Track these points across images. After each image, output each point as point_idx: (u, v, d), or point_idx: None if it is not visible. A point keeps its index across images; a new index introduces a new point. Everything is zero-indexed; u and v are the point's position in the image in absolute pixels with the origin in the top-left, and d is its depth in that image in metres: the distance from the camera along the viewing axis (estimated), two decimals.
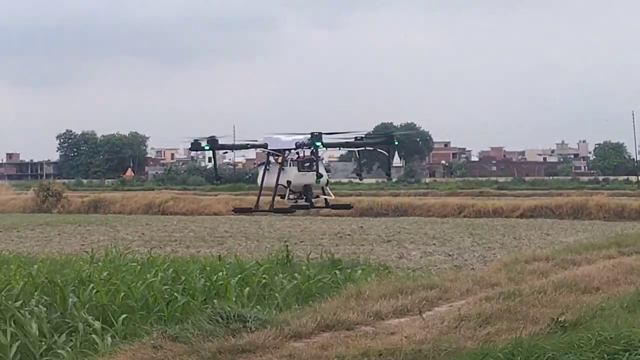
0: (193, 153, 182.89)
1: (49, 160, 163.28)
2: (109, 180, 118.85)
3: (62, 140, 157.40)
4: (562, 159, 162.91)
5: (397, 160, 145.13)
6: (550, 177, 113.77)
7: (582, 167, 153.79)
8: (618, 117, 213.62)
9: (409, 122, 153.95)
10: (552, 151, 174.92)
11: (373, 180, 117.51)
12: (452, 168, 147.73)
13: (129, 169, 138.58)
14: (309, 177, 19.07)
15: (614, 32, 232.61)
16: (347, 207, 25.19)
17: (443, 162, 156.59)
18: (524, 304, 13.82)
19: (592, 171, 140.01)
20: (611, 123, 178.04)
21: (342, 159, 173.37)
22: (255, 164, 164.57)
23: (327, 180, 19.98)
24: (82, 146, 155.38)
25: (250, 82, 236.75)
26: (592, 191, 64.44)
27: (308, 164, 19.00)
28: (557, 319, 11.54)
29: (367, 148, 20.72)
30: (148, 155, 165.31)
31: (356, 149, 20.52)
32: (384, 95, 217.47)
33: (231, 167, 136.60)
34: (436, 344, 10.77)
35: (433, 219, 47.19)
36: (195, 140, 19.41)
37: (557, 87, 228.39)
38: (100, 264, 19.91)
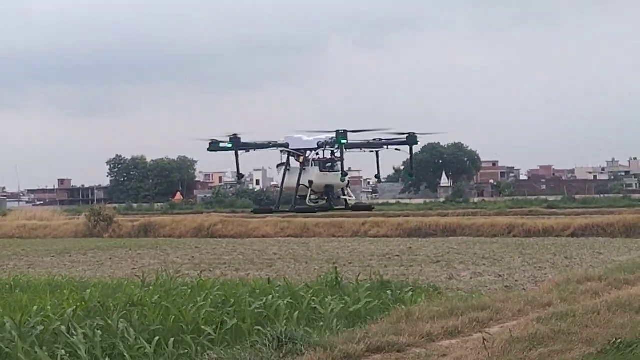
0: (242, 178, 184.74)
1: (99, 185, 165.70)
2: (159, 204, 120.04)
3: (112, 166, 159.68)
4: (612, 177, 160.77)
5: (444, 180, 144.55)
6: (601, 195, 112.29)
7: (634, 185, 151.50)
8: None
9: (457, 141, 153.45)
10: (603, 169, 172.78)
11: (421, 201, 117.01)
12: (500, 187, 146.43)
13: (178, 193, 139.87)
14: (331, 178, 19.08)
15: None
16: (369, 208, 25.12)
17: (491, 181, 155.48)
18: (577, 325, 13.64)
19: None
20: None
21: (389, 179, 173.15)
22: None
23: (348, 182, 20.01)
24: (132, 171, 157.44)
25: (299, 104, 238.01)
26: None
27: (330, 164, 18.99)
28: (613, 340, 11.36)
29: (388, 147, 20.61)
30: (196, 179, 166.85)
31: (376, 149, 20.35)
32: (431, 116, 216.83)
33: (278, 189, 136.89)
34: None
35: (482, 239, 46.81)
36: (214, 140, 19.48)
37: (607, 104, 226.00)
38: (151, 287, 20.08)
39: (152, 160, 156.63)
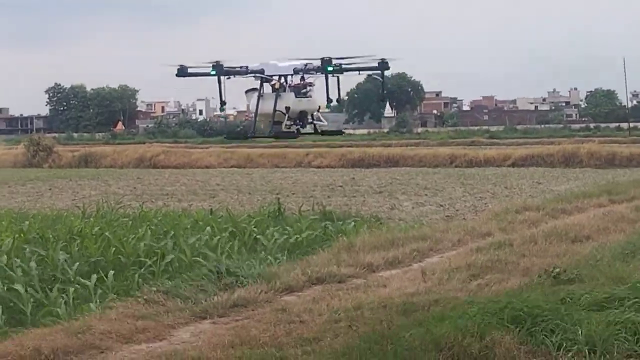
0: (183, 106, 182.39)
1: (38, 114, 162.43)
2: (100, 134, 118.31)
3: (51, 94, 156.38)
4: (553, 107, 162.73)
5: (388, 111, 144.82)
6: (542, 126, 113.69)
7: (574, 115, 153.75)
8: (609, 64, 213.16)
9: (400, 71, 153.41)
10: (544, 99, 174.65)
11: (365, 131, 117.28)
12: (443, 118, 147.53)
13: (120, 123, 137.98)
14: (305, 103, 19.11)
15: None
16: (339, 132, 25.32)
17: (435, 111, 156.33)
18: (514, 254, 13.89)
19: (583, 119, 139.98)
20: (602, 70, 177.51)
21: (333, 110, 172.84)
22: (246, 116, 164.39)
23: (319, 107, 20.14)
24: (72, 100, 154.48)
25: (238, 31, 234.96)
26: (584, 139, 64.44)
27: (304, 90, 19.03)
28: (550, 269, 11.54)
29: (360, 73, 20.75)
30: (138, 109, 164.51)
31: (349, 73, 20.48)
32: (375, 44, 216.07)
33: (222, 119, 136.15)
34: (427, 296, 10.82)
35: (425, 170, 47.21)
36: (182, 67, 19.07)
37: (549, 36, 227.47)
38: (91, 219, 19.88)
39: (92, 89, 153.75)
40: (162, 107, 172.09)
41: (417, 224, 20.03)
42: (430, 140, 78.80)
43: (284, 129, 18.44)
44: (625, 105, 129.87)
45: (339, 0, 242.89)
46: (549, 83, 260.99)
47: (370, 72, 21.65)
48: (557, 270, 11.38)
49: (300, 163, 53.58)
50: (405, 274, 12.85)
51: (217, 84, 19.64)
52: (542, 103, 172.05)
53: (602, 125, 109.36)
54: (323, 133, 21.99)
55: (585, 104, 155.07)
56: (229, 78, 20.71)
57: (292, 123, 19.63)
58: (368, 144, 71.51)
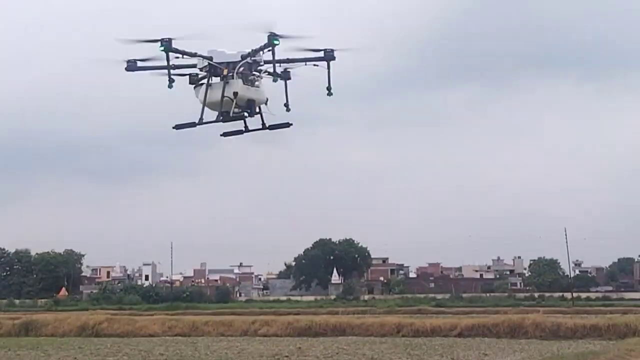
0: (129, 271, 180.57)
1: None
2: (42, 300, 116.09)
3: None
4: (498, 276, 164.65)
5: (335, 277, 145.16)
6: (488, 294, 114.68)
7: (518, 284, 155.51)
8: (551, 234, 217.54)
9: (347, 237, 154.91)
10: (489, 267, 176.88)
11: (312, 298, 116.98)
12: (390, 285, 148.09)
13: (63, 289, 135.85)
14: (254, 92, 19.25)
15: (546, 152, 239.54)
16: (287, 125, 24.79)
17: (382, 278, 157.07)
18: None
19: (527, 287, 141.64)
20: (545, 239, 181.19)
21: (280, 276, 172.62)
22: (193, 281, 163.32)
23: (267, 99, 20.29)
24: (15, 265, 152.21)
25: (188, 200, 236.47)
26: (528, 309, 64.99)
27: (252, 78, 19.22)
28: None
29: (306, 63, 21.09)
30: (83, 274, 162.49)
31: (296, 63, 20.62)
32: (323, 212, 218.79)
33: (168, 285, 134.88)
34: None
35: (372, 339, 46.91)
36: (131, 61, 18.85)
37: (493, 204, 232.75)
38: None
39: (37, 254, 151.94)
40: (108, 272, 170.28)
41: None
42: (377, 308, 78.77)
43: (232, 114, 18.47)
44: (567, 275, 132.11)
45: (280, 173, 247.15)
46: (493, 251, 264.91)
47: (316, 63, 22.14)
48: None
49: (246, 331, 52.91)
50: None
51: (166, 61, 19.65)
52: (487, 271, 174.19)
53: (547, 294, 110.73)
54: (271, 127, 22.00)
55: (529, 273, 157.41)
56: (177, 57, 20.86)
57: (240, 110, 19.82)
58: (315, 311, 71.18)
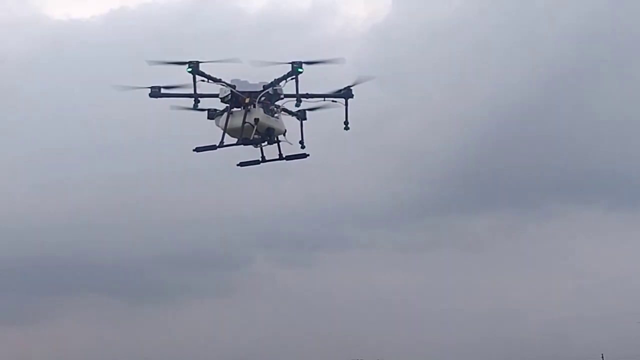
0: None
1: None
2: None
3: None
4: None
5: None
6: None
7: None
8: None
9: (379, 358, 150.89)
10: None
11: None
12: None
13: None
14: (274, 122, 19.97)
15: (576, 277, 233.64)
16: (304, 155, 24.97)
17: None
18: None
19: None
20: None
21: None
22: None
23: (285, 130, 21.04)
24: None
25: (221, 320, 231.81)
26: None
27: (272, 108, 19.94)
28: None
29: (325, 99, 21.80)
30: None
31: (315, 99, 21.45)
32: (353, 332, 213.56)
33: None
34: None
35: None
36: (154, 87, 19.42)
37: (519, 330, 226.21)
38: None
39: None
40: None
41: None
42: None
43: (252, 139, 19.18)
44: None
45: (310, 293, 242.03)
46: None
47: (334, 99, 22.92)
48: None
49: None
50: None
51: (192, 82, 20.52)
52: None
53: None
54: (288, 158, 22.55)
55: None
56: (203, 81, 21.64)
57: (260, 137, 20.43)
58: None
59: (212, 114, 23.04)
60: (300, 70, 21.47)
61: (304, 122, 24.53)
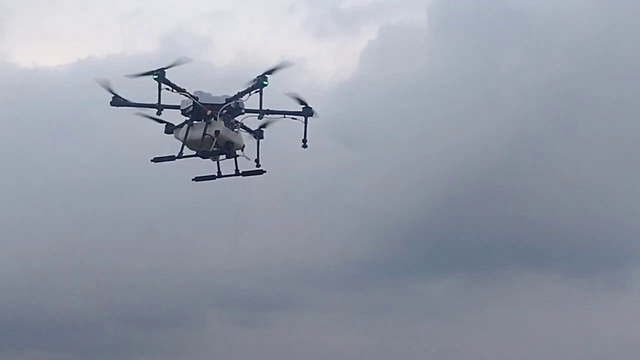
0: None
1: None
2: None
3: None
4: None
5: None
6: None
7: None
8: None
9: None
10: None
11: None
12: None
13: None
14: (234, 136, 20.03)
15: (531, 344, 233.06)
16: (260, 172, 24.84)
17: None
18: None
19: None
20: None
21: None
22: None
23: (244, 145, 21.11)
24: None
25: None
26: None
27: (233, 122, 20.04)
28: None
29: (285, 116, 21.88)
30: None
31: (274, 116, 21.57)
32: None
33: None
34: None
35: None
36: (116, 96, 19.53)
37: None
38: None
39: None
40: None
41: None
42: None
43: (210, 150, 19.24)
44: None
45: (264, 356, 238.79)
46: None
47: (294, 117, 22.98)
48: None
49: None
50: None
51: (157, 90, 20.66)
52: None
53: None
54: (244, 174, 22.50)
55: None
56: (168, 89, 21.66)
57: (219, 150, 20.49)
58: None
59: (171, 128, 23.25)
60: (265, 82, 21.88)
61: (260, 141, 24.86)
